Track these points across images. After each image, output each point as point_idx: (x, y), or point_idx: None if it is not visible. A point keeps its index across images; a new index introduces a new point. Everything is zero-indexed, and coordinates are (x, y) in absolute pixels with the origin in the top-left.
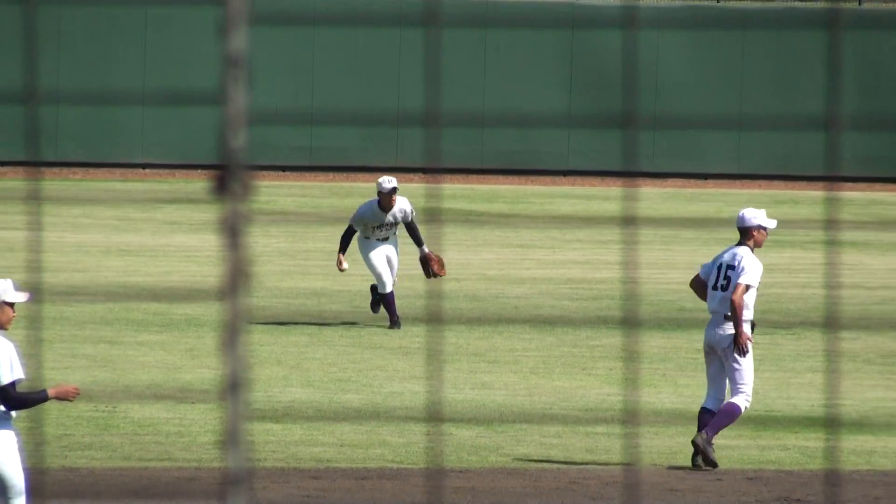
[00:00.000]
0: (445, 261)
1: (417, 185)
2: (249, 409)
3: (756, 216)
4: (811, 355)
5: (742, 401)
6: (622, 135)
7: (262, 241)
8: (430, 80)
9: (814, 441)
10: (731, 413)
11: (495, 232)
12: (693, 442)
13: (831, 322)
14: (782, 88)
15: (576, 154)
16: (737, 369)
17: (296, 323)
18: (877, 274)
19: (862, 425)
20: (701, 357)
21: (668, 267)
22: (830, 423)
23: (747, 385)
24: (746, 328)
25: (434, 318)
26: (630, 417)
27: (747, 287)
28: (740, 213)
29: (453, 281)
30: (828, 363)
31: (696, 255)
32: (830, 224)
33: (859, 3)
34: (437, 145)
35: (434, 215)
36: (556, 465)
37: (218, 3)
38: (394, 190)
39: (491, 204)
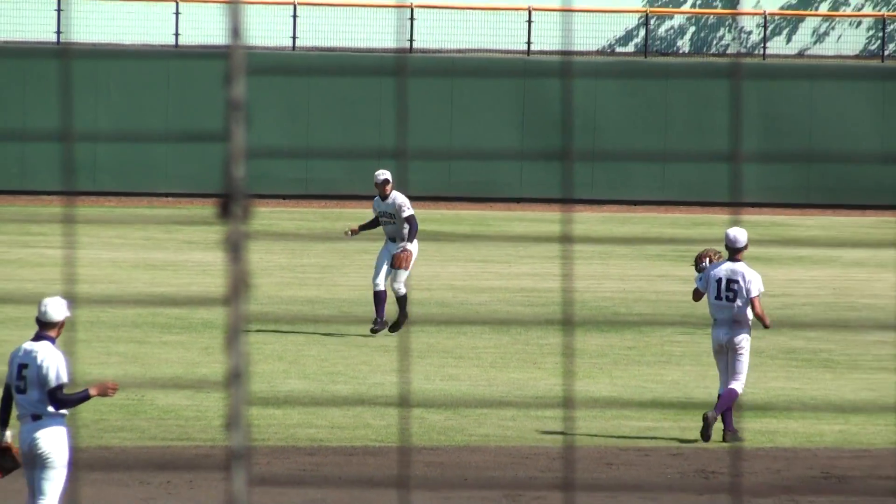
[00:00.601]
0: (413, 267)
1: None
2: (250, 396)
3: (743, 236)
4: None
5: (739, 386)
6: (562, 166)
7: (266, 258)
8: (399, 121)
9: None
10: (731, 397)
11: (460, 249)
12: (704, 416)
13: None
14: (697, 128)
15: (528, 184)
16: (739, 362)
17: (294, 325)
18: (778, 284)
19: (766, 409)
20: (632, 354)
21: (605, 278)
22: (739, 408)
23: (743, 374)
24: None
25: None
26: (570, 404)
27: (760, 295)
28: (731, 235)
29: (425, 290)
30: None
31: (626, 268)
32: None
33: (763, 58)
34: (406, 175)
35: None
36: (511, 444)
37: (223, 57)
38: (385, 181)
39: (456, 226)
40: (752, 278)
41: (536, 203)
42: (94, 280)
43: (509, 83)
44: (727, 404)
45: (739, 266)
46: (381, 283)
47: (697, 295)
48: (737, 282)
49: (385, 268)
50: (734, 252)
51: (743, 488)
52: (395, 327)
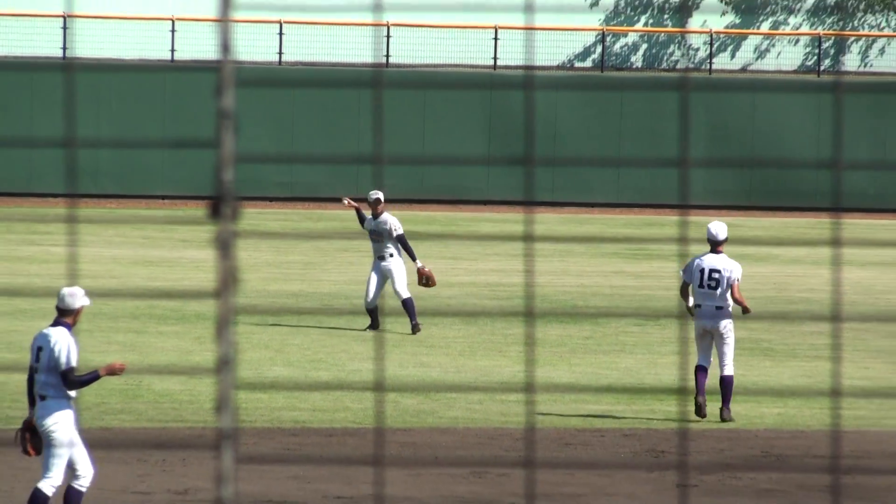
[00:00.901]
0: (426, 279)
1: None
2: (238, 381)
3: (723, 231)
4: (672, 341)
5: (729, 370)
6: (525, 171)
7: (254, 255)
8: (376, 130)
9: (674, 406)
10: (730, 383)
11: (432, 248)
12: (720, 415)
13: (685, 315)
14: (649, 137)
15: (494, 187)
16: (725, 345)
17: (279, 317)
18: None
19: (711, 394)
20: (589, 343)
21: (564, 274)
22: (685, 393)
23: (731, 357)
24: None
25: (380, 313)
26: (532, 389)
27: (739, 282)
28: (713, 230)
29: None
30: (683, 347)
31: (584, 265)
32: (682, 241)
33: (709, 73)
34: (381, 179)
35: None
36: (478, 425)
37: (214, 71)
38: (377, 200)
39: (429, 226)
40: (733, 267)
41: (502, 205)
42: (95, 275)
43: (477, 95)
44: (729, 392)
45: (721, 257)
46: (375, 301)
47: (685, 287)
48: (718, 271)
49: (375, 287)
50: (715, 245)
51: (689, 466)
52: (415, 328)
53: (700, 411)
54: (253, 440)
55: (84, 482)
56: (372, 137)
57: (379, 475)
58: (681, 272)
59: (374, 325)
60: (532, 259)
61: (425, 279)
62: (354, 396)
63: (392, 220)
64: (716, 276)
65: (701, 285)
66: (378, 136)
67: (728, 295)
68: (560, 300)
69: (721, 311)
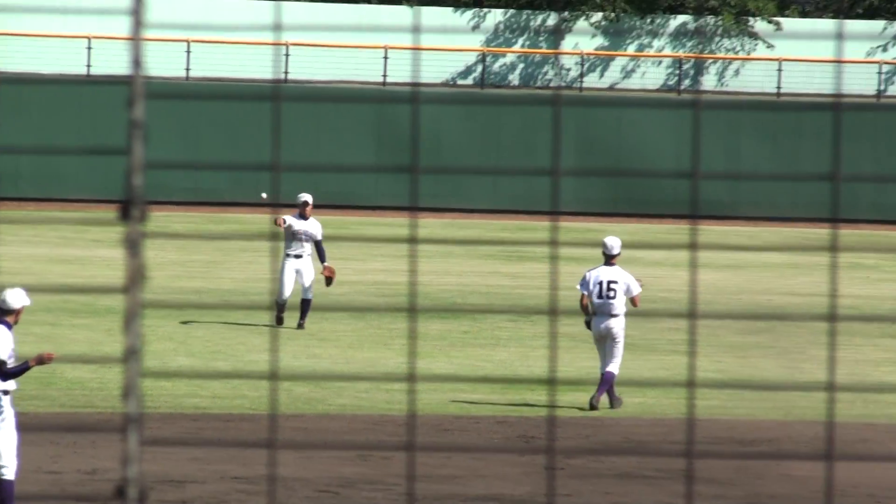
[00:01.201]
0: (329, 273)
1: (264, 216)
2: (144, 370)
3: (618, 245)
4: (543, 336)
5: (615, 368)
6: (410, 179)
7: (160, 254)
8: (274, 140)
9: (544, 396)
10: (610, 379)
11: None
12: (590, 402)
13: (554, 311)
14: (524, 148)
15: (381, 194)
16: (616, 346)
17: (183, 311)
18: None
19: (578, 384)
20: (466, 337)
21: (445, 273)
22: (554, 383)
23: (619, 358)
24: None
25: (271, 308)
26: (414, 379)
27: (639, 294)
28: (608, 243)
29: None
30: (553, 342)
31: (463, 265)
32: (553, 244)
33: (580, 90)
34: (279, 185)
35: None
36: (364, 412)
37: (127, 84)
38: (305, 203)
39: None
40: (629, 280)
41: (388, 210)
42: (14, 272)
43: (367, 108)
44: (607, 386)
45: (615, 269)
46: (288, 296)
47: (584, 299)
48: (616, 282)
49: (291, 283)
50: (609, 258)
51: (557, 451)
52: (301, 326)
53: (610, 406)
54: (157, 424)
55: (6, 472)
56: (271, 147)
57: (272, 457)
58: (578, 286)
59: (282, 319)
60: (415, 260)
61: (326, 278)
62: (251, 385)
63: (319, 225)
64: (614, 286)
65: (600, 296)
66: (276, 146)
67: (623, 303)
68: (441, 298)
69: (616, 318)
